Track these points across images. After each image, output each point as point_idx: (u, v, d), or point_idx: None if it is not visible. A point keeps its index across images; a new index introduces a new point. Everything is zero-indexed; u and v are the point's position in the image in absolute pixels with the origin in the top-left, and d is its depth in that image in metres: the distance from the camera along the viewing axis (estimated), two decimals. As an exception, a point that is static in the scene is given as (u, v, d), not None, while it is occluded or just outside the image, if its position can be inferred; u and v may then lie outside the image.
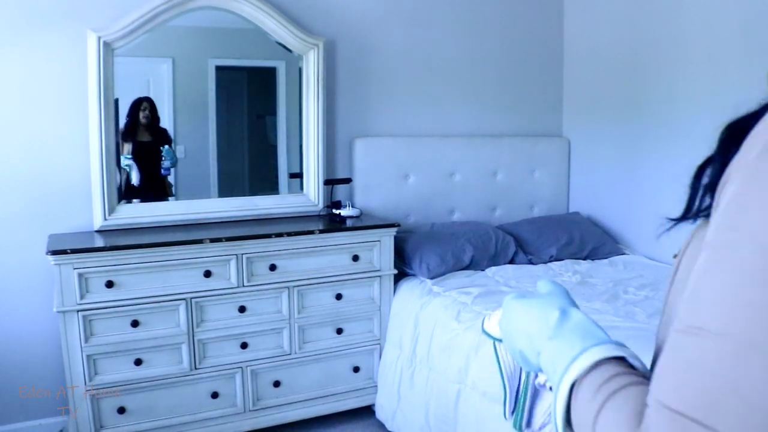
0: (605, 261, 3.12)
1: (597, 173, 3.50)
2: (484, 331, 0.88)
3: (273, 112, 2.99)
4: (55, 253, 2.20)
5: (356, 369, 2.74)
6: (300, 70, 2.89)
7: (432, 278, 2.73)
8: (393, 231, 2.72)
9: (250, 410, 2.56)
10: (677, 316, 0.50)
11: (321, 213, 2.92)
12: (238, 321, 2.49)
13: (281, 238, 2.52)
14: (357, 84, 3.06)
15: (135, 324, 2.33)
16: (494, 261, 2.92)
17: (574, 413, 0.57)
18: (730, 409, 0.44)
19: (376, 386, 2.75)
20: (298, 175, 2.98)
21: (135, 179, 2.72)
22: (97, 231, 2.55)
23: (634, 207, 3.32)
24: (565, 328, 0.63)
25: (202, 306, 2.43)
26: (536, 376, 0.83)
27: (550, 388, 0.77)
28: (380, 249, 2.69)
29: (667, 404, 0.47)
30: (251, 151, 3.06)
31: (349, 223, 2.75)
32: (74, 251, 2.23)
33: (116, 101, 2.59)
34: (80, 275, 2.24)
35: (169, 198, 2.81)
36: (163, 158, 2.80)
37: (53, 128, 2.52)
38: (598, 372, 0.57)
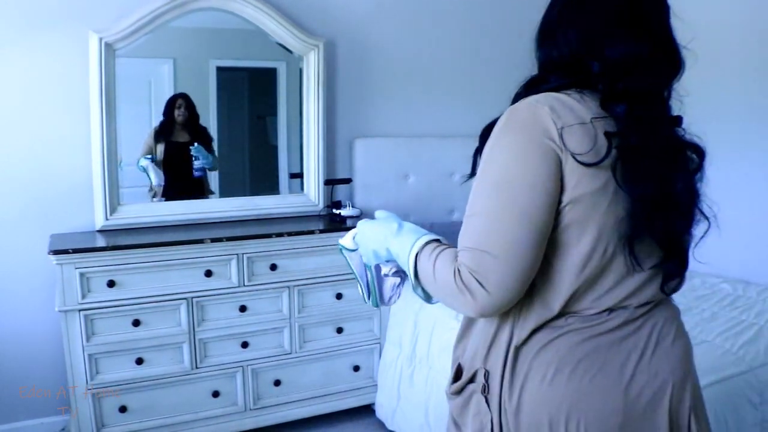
0: (604, 261, 3.14)
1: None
2: (340, 245, 1.26)
3: (273, 112, 3.00)
4: (56, 252, 2.21)
5: (356, 368, 2.75)
6: (300, 71, 2.90)
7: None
8: (393, 231, 2.73)
9: (250, 409, 2.57)
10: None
11: (321, 213, 2.93)
12: (238, 320, 2.50)
13: (282, 238, 2.53)
14: (357, 84, 3.07)
15: (136, 323, 2.34)
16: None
17: (419, 270, 1.04)
18: (488, 239, 0.95)
19: (376, 385, 2.76)
20: (298, 175, 2.99)
21: (154, 180, 2.71)
22: (98, 231, 2.56)
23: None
24: (403, 231, 1.10)
25: (202, 305, 2.45)
26: (379, 268, 1.21)
27: (391, 274, 1.22)
28: (380, 249, 2.70)
29: (464, 246, 0.98)
30: (252, 151, 3.07)
31: (349, 223, 2.76)
32: (76, 251, 2.24)
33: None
34: (82, 275, 2.25)
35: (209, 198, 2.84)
36: (194, 158, 2.77)
37: (55, 129, 2.53)
38: (428, 247, 1.04)
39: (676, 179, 1.00)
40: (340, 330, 2.69)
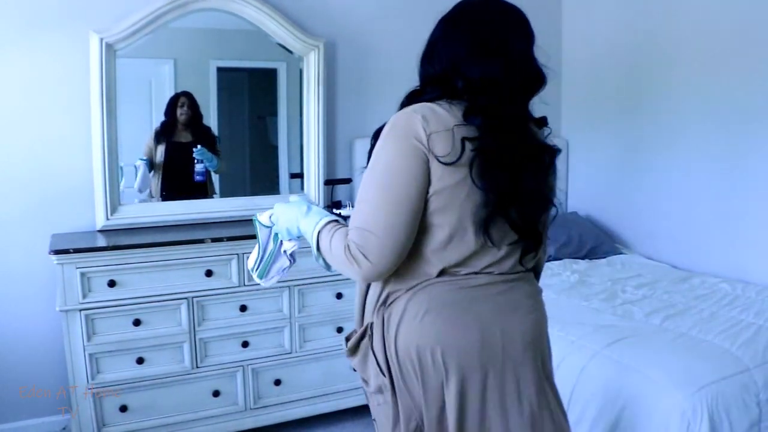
0: (603, 260, 3.14)
1: (595, 173, 3.51)
2: (255, 218, 1.49)
3: (274, 112, 3.01)
4: (57, 252, 2.21)
5: (356, 368, 2.75)
6: (300, 72, 2.91)
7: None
8: (393, 231, 2.73)
9: (251, 408, 2.57)
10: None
11: (321, 213, 2.93)
12: (239, 320, 2.51)
13: (282, 238, 2.53)
14: (357, 85, 3.08)
15: (137, 323, 2.35)
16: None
17: (320, 244, 1.27)
18: (372, 221, 1.19)
19: (376, 385, 2.77)
20: (298, 176, 2.99)
21: (136, 185, 2.67)
22: (99, 231, 2.56)
23: (631, 207, 3.33)
24: (311, 213, 1.33)
25: (203, 305, 2.45)
26: (282, 244, 1.44)
27: (288, 254, 1.46)
28: (380, 249, 2.71)
29: (353, 225, 1.22)
30: (252, 151, 3.07)
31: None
32: (77, 251, 2.25)
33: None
34: (83, 275, 2.26)
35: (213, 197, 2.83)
36: (196, 161, 2.73)
37: (56, 129, 2.54)
38: (329, 226, 1.27)
39: (524, 176, 1.22)
40: (340, 329, 2.69)
